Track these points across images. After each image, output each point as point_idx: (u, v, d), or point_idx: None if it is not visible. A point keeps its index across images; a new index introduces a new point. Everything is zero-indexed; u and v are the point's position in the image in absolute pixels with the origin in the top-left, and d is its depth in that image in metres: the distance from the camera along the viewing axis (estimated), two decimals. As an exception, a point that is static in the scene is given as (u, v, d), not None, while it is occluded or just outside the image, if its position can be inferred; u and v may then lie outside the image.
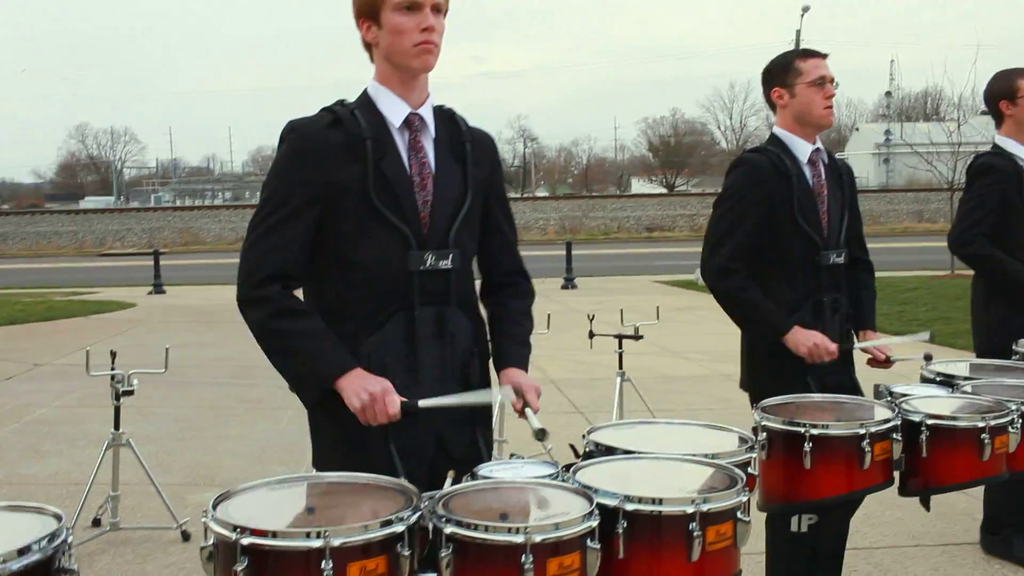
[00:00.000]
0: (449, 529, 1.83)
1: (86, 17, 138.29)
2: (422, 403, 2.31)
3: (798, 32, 46.77)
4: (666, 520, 1.95)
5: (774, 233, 3.34)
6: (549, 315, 6.56)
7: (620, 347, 6.14)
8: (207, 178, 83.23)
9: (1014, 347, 3.85)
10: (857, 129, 77.60)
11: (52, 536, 1.73)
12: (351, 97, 2.51)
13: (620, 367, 6.16)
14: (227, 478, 5.97)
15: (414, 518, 1.87)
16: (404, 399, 2.30)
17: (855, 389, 3.43)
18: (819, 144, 3.43)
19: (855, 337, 3.57)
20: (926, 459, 2.81)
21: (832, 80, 3.37)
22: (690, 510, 1.93)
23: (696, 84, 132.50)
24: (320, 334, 2.35)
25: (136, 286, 19.33)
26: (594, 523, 1.86)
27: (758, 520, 2.80)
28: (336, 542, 1.75)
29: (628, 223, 39.75)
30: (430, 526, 1.89)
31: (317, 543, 1.74)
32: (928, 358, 3.52)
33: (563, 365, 9.59)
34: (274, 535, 1.77)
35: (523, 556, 1.77)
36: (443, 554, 1.83)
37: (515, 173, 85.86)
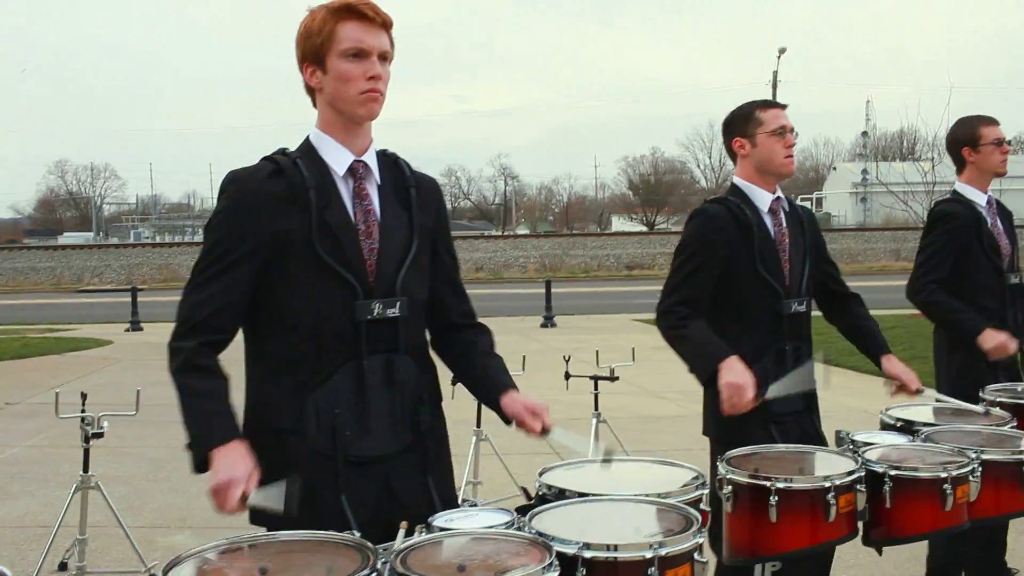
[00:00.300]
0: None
1: (68, 53, 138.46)
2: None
3: (775, 73, 47.44)
4: (624, 566, 1.94)
5: (735, 283, 3.35)
6: (524, 356, 6.56)
7: (596, 388, 6.16)
8: (187, 214, 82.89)
9: (981, 394, 3.87)
10: (834, 168, 78.38)
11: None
12: None
13: (596, 408, 6.18)
14: (198, 520, 5.92)
15: (371, 577, 1.84)
16: (253, 498, 2.21)
17: (818, 436, 3.44)
18: (779, 193, 3.46)
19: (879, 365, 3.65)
20: (889, 509, 2.82)
21: (792, 130, 3.41)
22: (648, 555, 1.93)
23: (676, 123, 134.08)
24: (215, 398, 2.31)
25: (113, 323, 19.18)
26: (554, 574, 1.85)
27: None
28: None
29: (608, 261, 39.85)
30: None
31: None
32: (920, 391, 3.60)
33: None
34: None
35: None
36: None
37: (496, 211, 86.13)
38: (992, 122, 4.32)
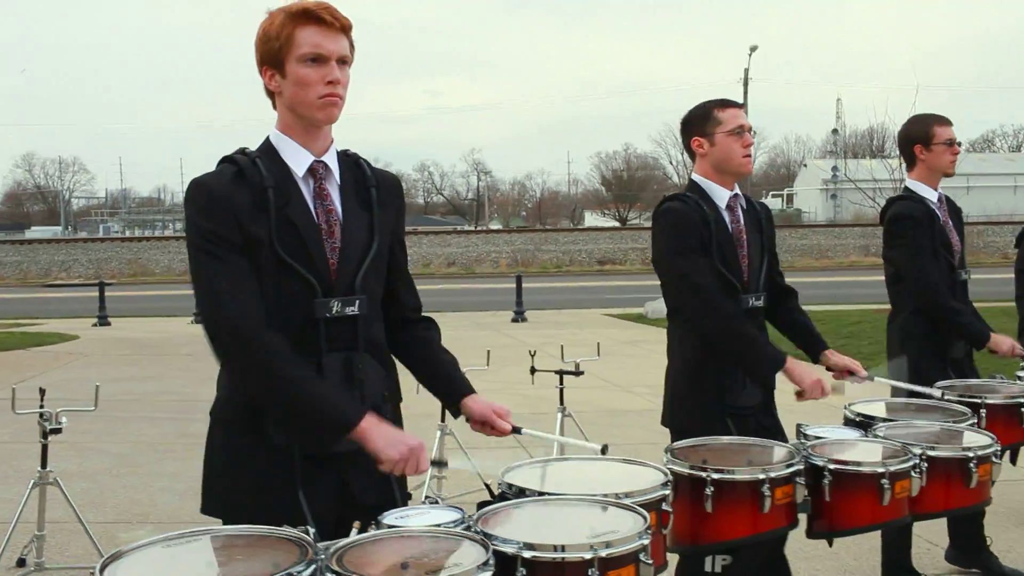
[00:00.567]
0: (340, 584, 1.82)
1: (36, 46, 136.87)
2: (451, 463, 2.75)
3: (746, 70, 47.64)
4: (565, 567, 1.95)
5: None
6: (489, 352, 6.58)
7: (561, 383, 6.18)
8: (157, 208, 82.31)
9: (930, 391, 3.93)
10: (805, 165, 78.98)
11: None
12: None
13: (561, 402, 6.19)
14: (160, 516, 5.89)
15: (307, 573, 1.85)
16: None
17: (776, 430, 3.48)
18: (737, 190, 3.50)
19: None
20: (829, 503, 2.87)
21: (750, 129, 3.44)
22: (588, 556, 1.94)
23: (648, 120, 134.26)
24: (324, 381, 2.36)
25: (81, 318, 18.97)
26: (488, 573, 1.85)
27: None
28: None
29: (580, 256, 39.94)
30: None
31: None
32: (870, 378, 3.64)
33: (508, 399, 9.48)
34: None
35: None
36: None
37: (469, 206, 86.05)
38: (946, 122, 4.37)
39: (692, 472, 2.73)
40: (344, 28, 2.40)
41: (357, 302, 2.43)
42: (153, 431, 8.38)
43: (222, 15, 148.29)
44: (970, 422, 3.48)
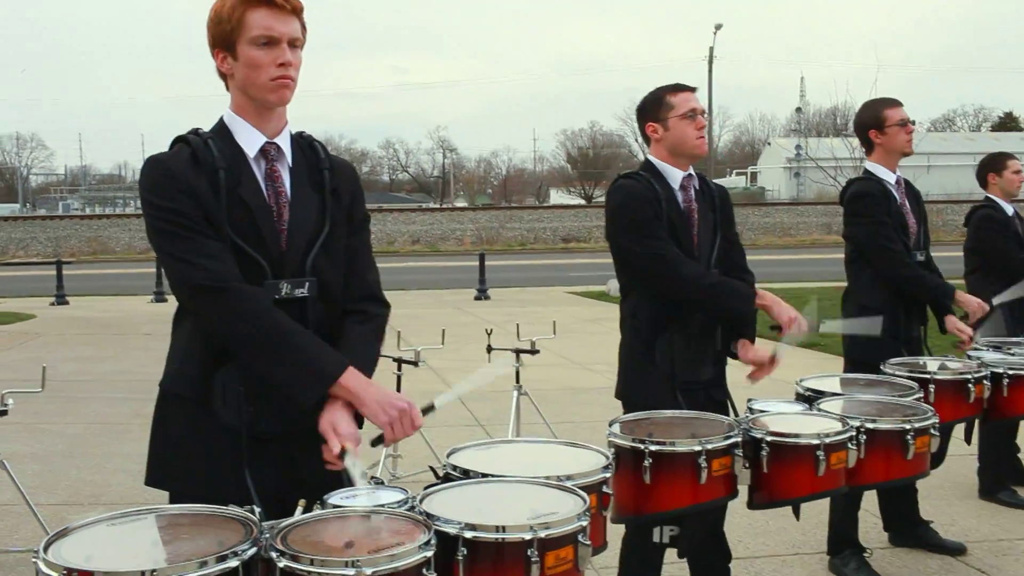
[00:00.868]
0: (283, 563, 1.83)
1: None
2: (438, 402, 2.47)
3: (711, 49, 47.82)
4: (505, 547, 1.97)
5: None
6: (444, 330, 6.58)
7: (517, 361, 6.19)
8: (119, 186, 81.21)
9: (882, 367, 3.99)
10: (769, 143, 79.42)
11: None
12: None
13: (517, 381, 6.21)
14: (113, 497, 5.84)
15: (251, 552, 1.86)
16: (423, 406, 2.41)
17: (724, 404, 3.55)
18: (691, 171, 3.53)
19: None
20: (767, 474, 2.95)
21: (703, 112, 3.49)
22: (528, 536, 1.96)
23: (613, 97, 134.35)
24: (308, 332, 2.35)
25: (38, 297, 18.74)
26: (429, 553, 1.87)
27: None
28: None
29: (545, 234, 39.98)
30: (274, 557, 1.88)
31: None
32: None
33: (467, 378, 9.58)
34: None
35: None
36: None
37: (434, 184, 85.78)
38: (896, 104, 4.42)
39: (632, 444, 2.81)
40: (295, 10, 2.40)
41: (307, 284, 2.43)
42: (109, 411, 8.31)
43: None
44: (915, 396, 3.54)
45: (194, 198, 2.31)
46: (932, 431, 3.21)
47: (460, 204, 68.53)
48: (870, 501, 4.83)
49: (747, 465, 2.92)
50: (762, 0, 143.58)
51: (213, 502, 2.11)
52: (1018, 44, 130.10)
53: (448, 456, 2.51)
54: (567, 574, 2.02)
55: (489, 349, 6.23)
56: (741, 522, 4.98)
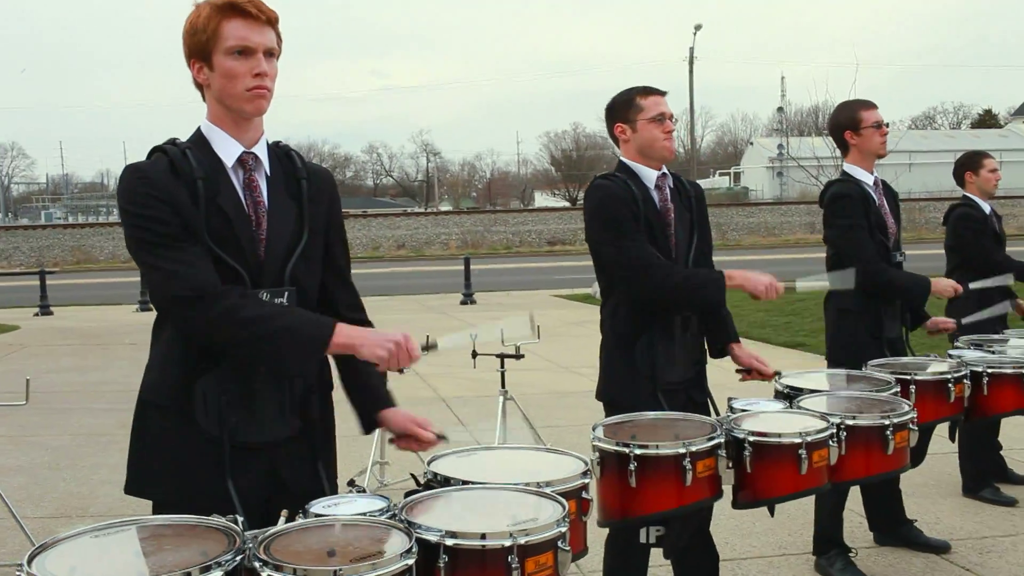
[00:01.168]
0: (267, 572, 1.84)
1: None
2: (441, 342, 2.51)
3: (691, 49, 47.97)
4: (486, 554, 1.99)
5: None
6: (428, 336, 6.57)
7: (502, 366, 6.20)
8: (101, 194, 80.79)
9: (864, 368, 4.02)
10: (752, 143, 79.72)
11: None
12: None
13: (503, 386, 6.22)
14: (100, 509, 5.82)
15: (235, 562, 1.86)
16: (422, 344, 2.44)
17: (704, 404, 3.58)
18: (665, 170, 3.55)
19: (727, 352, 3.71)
20: (751, 474, 2.97)
21: (671, 116, 3.51)
22: (508, 543, 1.98)
23: (596, 98, 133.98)
24: (289, 310, 2.39)
25: (21, 307, 18.63)
26: (410, 561, 1.88)
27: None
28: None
29: (530, 237, 40.01)
30: (257, 567, 1.89)
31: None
32: (778, 374, 3.67)
33: (454, 382, 9.61)
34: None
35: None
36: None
37: (419, 188, 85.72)
38: (871, 105, 4.45)
39: (617, 448, 2.82)
40: (270, 21, 2.42)
41: (286, 293, 2.44)
42: (94, 422, 8.28)
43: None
44: (892, 391, 3.58)
45: (172, 205, 2.32)
46: (911, 426, 3.24)
47: (445, 208, 68.51)
48: (855, 501, 4.87)
49: (730, 465, 2.95)
50: (741, 1, 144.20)
51: (195, 511, 2.12)
52: (997, 41, 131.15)
53: (429, 463, 2.52)
54: (547, 581, 2.04)
55: (474, 354, 6.24)
56: (728, 524, 5.01)
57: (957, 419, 4.15)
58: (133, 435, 2.50)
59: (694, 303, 3.47)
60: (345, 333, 2.34)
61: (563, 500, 2.17)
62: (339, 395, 2.65)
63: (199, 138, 2.46)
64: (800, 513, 4.89)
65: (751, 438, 2.95)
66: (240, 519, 2.07)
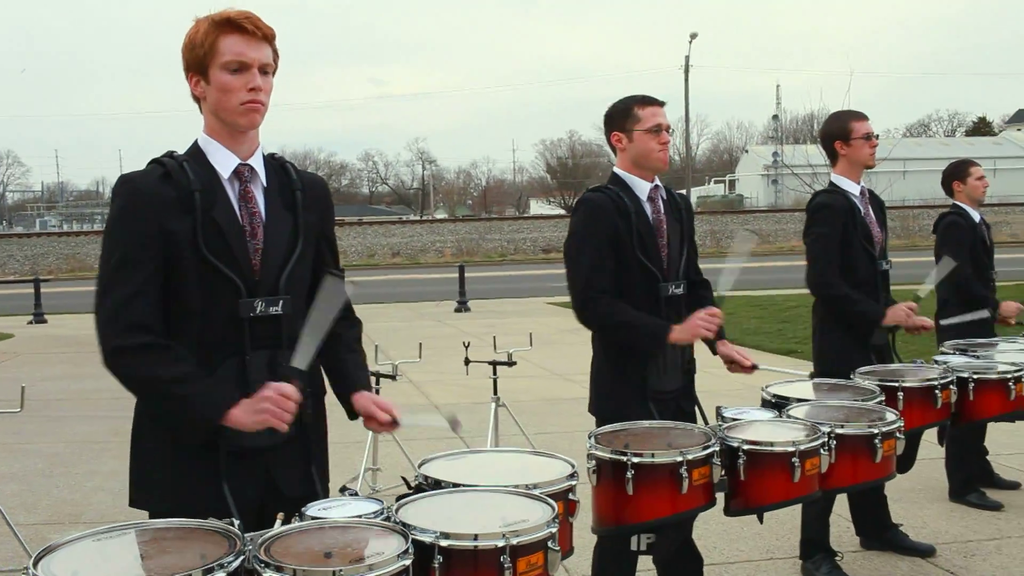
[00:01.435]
0: (268, 574, 1.89)
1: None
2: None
3: (687, 58, 48.13)
4: (478, 554, 2.04)
5: (618, 267, 3.49)
6: (421, 344, 6.64)
7: (494, 373, 6.25)
8: (96, 202, 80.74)
9: (852, 376, 4.06)
10: (747, 151, 79.89)
11: None
12: None
13: (495, 392, 6.27)
14: (93, 516, 5.84)
15: (236, 564, 1.91)
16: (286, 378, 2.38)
17: (694, 413, 3.62)
18: (657, 182, 3.61)
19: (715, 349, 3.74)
20: (744, 481, 3.02)
21: (668, 128, 3.55)
22: (500, 544, 2.04)
23: (592, 107, 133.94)
24: (193, 377, 2.37)
25: (15, 315, 18.62)
26: (407, 562, 1.93)
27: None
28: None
29: (525, 245, 40.07)
30: (258, 568, 1.93)
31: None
32: (755, 367, 3.74)
33: (447, 389, 9.65)
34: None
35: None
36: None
37: (414, 195, 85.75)
38: (862, 117, 4.51)
39: (613, 456, 2.86)
40: (267, 37, 2.48)
41: (281, 302, 2.49)
42: (88, 430, 8.31)
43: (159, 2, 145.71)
44: (877, 400, 3.63)
45: (158, 220, 2.37)
46: (898, 434, 3.29)
47: (440, 216, 68.55)
48: (841, 505, 4.91)
49: (724, 473, 2.98)
50: (737, 10, 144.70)
51: (192, 516, 2.16)
52: (992, 50, 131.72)
53: (420, 466, 2.58)
54: (538, 579, 2.09)
55: (467, 362, 6.29)
56: (715, 528, 5.05)
57: (945, 424, 4.22)
58: (133, 449, 2.54)
59: (631, 346, 3.50)
60: (233, 413, 2.36)
61: (552, 501, 2.23)
62: (331, 399, 2.69)
63: (196, 150, 2.52)
64: (787, 518, 4.94)
65: (745, 446, 3.00)
66: (236, 523, 2.10)
